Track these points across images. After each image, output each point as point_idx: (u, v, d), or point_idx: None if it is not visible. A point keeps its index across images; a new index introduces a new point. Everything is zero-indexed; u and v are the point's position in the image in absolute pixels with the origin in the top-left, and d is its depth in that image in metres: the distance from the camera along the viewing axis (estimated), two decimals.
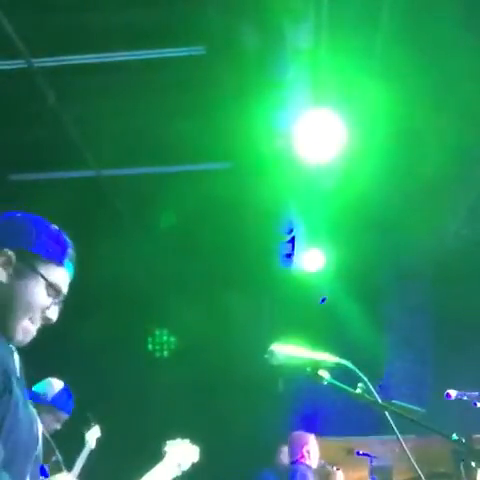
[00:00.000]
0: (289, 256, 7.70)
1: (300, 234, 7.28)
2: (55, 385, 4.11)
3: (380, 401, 2.09)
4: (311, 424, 7.26)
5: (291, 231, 7.27)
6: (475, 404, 4.30)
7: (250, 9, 4.32)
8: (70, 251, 1.92)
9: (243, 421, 7.64)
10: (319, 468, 5.90)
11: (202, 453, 3.19)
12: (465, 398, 4.34)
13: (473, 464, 3.46)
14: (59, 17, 4.44)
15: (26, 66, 4.72)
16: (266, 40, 4.47)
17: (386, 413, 2.08)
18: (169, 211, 6.60)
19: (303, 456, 5.68)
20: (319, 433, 6.12)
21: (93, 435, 4.80)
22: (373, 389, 2.08)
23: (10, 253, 1.81)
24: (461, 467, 4.84)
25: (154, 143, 5.67)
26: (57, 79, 4.89)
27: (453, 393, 4.35)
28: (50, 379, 4.14)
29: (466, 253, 7.43)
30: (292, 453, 5.80)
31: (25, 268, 1.81)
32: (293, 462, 5.72)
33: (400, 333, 8.44)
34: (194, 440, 3.18)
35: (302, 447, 5.71)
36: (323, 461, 6.02)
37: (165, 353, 8.81)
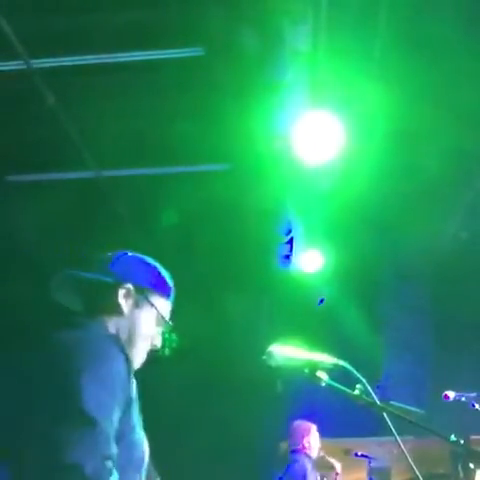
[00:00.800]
0: (287, 257, 7.70)
1: (299, 235, 7.29)
2: None
3: (378, 402, 2.09)
4: None
5: (290, 232, 7.27)
6: (473, 405, 4.32)
7: (249, 10, 4.32)
8: (173, 287, 2.22)
9: (241, 422, 7.63)
10: (318, 459, 5.91)
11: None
12: (463, 399, 4.36)
13: (471, 465, 3.47)
14: (58, 18, 4.44)
15: (25, 67, 4.71)
16: (265, 42, 4.47)
17: (384, 414, 2.09)
18: (171, 209, 6.59)
19: (304, 446, 5.69)
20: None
21: None
22: (371, 390, 2.09)
23: (130, 287, 2.05)
24: (459, 468, 4.85)
25: (153, 144, 5.67)
26: (56, 80, 4.88)
27: (451, 394, 4.36)
28: None
29: (465, 254, 7.43)
30: (292, 442, 5.79)
31: (142, 300, 2.07)
32: (293, 451, 5.72)
33: (398, 334, 8.44)
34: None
35: (303, 437, 5.72)
36: (323, 453, 6.02)
37: (164, 352, 8.79)
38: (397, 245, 7.59)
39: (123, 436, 1.75)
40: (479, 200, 6.53)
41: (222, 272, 7.54)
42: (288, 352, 2.15)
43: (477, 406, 4.31)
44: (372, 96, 4.79)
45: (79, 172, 6.07)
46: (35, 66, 4.73)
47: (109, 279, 2.03)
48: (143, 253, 2.27)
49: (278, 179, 5.90)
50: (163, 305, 2.15)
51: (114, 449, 1.66)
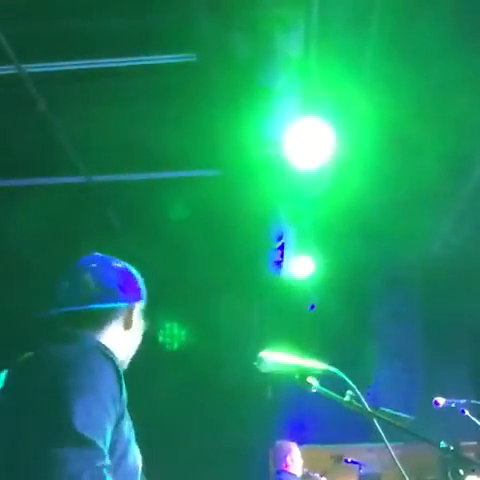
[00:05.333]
0: (279, 263, 7.71)
1: (290, 241, 7.30)
2: None
3: (368, 408, 2.09)
4: (300, 432, 7.27)
5: (281, 238, 7.28)
6: (463, 411, 4.33)
7: (241, 17, 4.33)
8: (143, 284, 2.19)
9: (231, 428, 7.62)
10: (303, 476, 5.96)
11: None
12: (453, 405, 4.37)
13: (461, 471, 3.47)
14: (50, 23, 4.43)
15: (16, 72, 4.70)
16: (257, 48, 4.48)
17: (375, 420, 2.09)
18: (162, 215, 6.58)
19: (287, 465, 5.76)
20: (308, 441, 6.14)
21: None
22: (362, 396, 2.09)
23: (126, 305, 2.08)
24: (449, 475, 4.85)
25: (145, 150, 5.66)
26: (47, 85, 4.88)
27: (441, 401, 4.38)
28: None
29: (454, 261, 7.46)
30: (276, 462, 5.87)
31: (134, 314, 2.11)
32: (278, 471, 5.80)
33: (389, 340, 8.46)
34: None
35: (285, 456, 5.80)
36: (306, 469, 6.08)
37: (173, 347, 8.73)
38: (388, 251, 7.61)
39: (115, 448, 1.76)
40: (469, 206, 6.56)
41: (213, 278, 7.54)
42: (279, 358, 2.15)
43: (467, 412, 4.32)
44: (363, 102, 4.81)
45: (70, 177, 6.05)
46: (26, 71, 4.72)
47: (114, 305, 2.03)
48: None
49: (270, 185, 5.90)
50: (141, 308, 2.15)
51: (108, 462, 1.68)
